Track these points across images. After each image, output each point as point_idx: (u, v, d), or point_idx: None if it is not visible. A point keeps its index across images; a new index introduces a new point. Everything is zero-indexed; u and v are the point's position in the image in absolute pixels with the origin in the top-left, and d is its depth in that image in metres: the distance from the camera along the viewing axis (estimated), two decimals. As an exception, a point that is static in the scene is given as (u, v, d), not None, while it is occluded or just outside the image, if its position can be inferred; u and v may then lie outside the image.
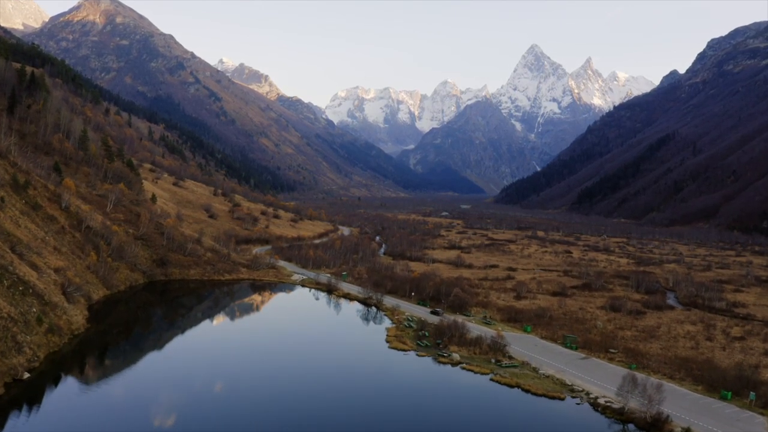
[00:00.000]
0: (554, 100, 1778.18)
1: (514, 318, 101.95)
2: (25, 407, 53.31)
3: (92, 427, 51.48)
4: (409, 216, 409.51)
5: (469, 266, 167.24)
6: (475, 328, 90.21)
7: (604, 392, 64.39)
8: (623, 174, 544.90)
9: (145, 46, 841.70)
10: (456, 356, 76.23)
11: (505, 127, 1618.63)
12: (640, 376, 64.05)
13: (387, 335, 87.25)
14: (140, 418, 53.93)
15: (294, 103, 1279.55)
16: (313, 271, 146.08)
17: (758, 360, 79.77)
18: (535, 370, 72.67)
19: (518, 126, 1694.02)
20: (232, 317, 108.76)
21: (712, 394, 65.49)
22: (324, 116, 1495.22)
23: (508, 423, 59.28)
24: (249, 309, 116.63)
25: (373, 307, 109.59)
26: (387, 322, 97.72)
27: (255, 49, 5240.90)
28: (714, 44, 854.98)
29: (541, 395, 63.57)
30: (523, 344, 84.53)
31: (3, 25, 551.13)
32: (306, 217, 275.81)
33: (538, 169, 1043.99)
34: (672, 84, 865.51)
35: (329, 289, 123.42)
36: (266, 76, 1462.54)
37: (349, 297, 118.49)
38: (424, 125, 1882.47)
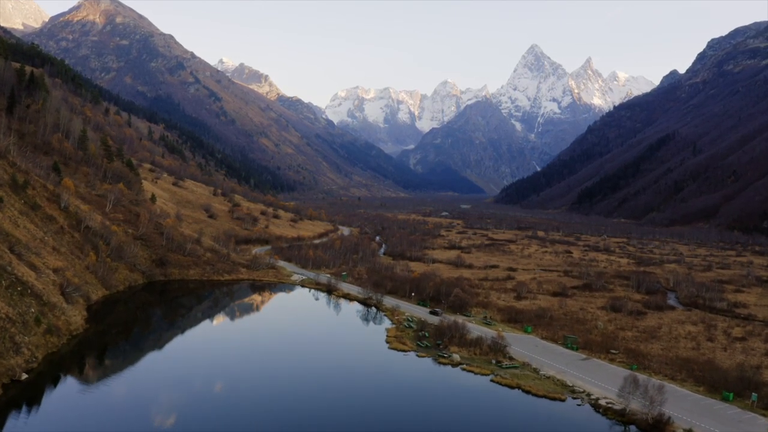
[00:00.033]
0: (554, 100, 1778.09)
1: (515, 318, 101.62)
2: (24, 408, 53.08)
3: (92, 427, 51.36)
4: (409, 216, 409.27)
5: (470, 266, 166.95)
6: (476, 329, 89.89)
7: (605, 393, 64.09)
8: (623, 174, 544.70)
9: (145, 46, 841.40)
10: (456, 357, 75.92)
11: (505, 127, 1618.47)
12: (641, 377, 63.80)
13: (387, 336, 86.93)
14: (140, 418, 53.78)
15: (294, 103, 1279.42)
16: (313, 272, 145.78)
17: (760, 361, 79.45)
18: (535, 371, 72.38)
19: (518, 126, 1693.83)
20: (232, 317, 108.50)
21: (714, 396, 65.18)
22: (324, 116, 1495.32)
23: (508, 424, 58.99)
24: (249, 309, 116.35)
25: (373, 308, 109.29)
26: (387, 323, 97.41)
27: (255, 49, 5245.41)
28: (714, 44, 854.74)
29: (541, 396, 63.27)
30: (523, 345, 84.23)
31: (3, 25, 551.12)
32: (306, 217, 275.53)
33: (538, 169, 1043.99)
34: (672, 84, 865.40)
35: (329, 290, 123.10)
36: (266, 76, 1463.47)
37: (348, 297, 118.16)
38: (424, 125, 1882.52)
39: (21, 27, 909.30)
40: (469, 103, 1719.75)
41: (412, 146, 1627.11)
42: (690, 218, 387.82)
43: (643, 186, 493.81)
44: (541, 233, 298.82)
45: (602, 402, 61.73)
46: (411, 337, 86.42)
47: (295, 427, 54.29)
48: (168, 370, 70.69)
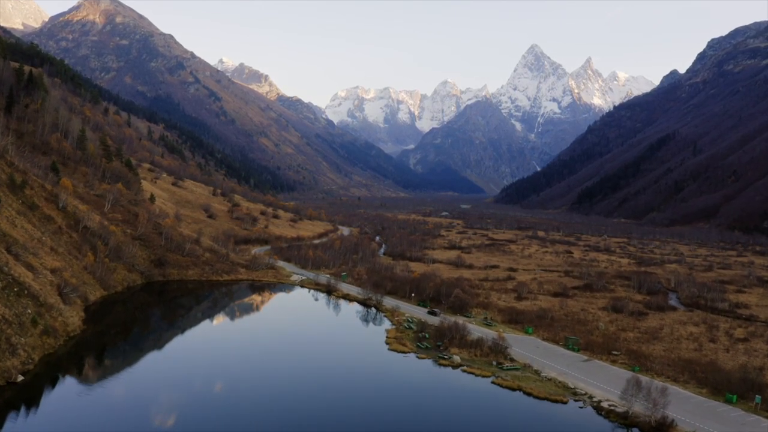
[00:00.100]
0: (554, 100, 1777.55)
1: (515, 319, 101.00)
2: (22, 409, 52.66)
3: (92, 427, 50.98)
4: (409, 216, 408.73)
5: (470, 267, 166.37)
6: (476, 330, 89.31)
7: (607, 395, 63.50)
8: (623, 174, 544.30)
9: (144, 46, 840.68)
10: (457, 358, 75.32)
11: (505, 127, 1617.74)
12: (644, 378, 63.21)
13: (387, 337, 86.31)
14: (140, 419, 53.47)
15: (294, 103, 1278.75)
16: (313, 272, 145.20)
17: (762, 362, 78.84)
18: (537, 373, 71.76)
19: (518, 126, 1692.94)
20: (232, 317, 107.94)
21: (717, 397, 64.62)
22: (324, 116, 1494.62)
23: (510, 427, 58.45)
24: (248, 309, 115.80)
25: (373, 308, 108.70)
26: (387, 324, 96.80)
27: (255, 49, 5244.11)
28: (714, 44, 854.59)
29: (543, 399, 62.67)
30: (524, 346, 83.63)
31: (3, 24, 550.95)
32: (305, 217, 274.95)
33: (538, 169, 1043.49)
34: (672, 84, 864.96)
35: (329, 290, 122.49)
36: (266, 76, 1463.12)
37: (348, 298, 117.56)
38: (424, 125, 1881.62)
39: (21, 27, 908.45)
40: (469, 103, 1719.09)
41: (412, 146, 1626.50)
42: (690, 218, 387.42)
43: (643, 186, 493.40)
44: (541, 233, 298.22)
45: (604, 404, 61.14)
46: (411, 338, 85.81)
47: (295, 427, 53.96)
48: (167, 370, 70.22)
